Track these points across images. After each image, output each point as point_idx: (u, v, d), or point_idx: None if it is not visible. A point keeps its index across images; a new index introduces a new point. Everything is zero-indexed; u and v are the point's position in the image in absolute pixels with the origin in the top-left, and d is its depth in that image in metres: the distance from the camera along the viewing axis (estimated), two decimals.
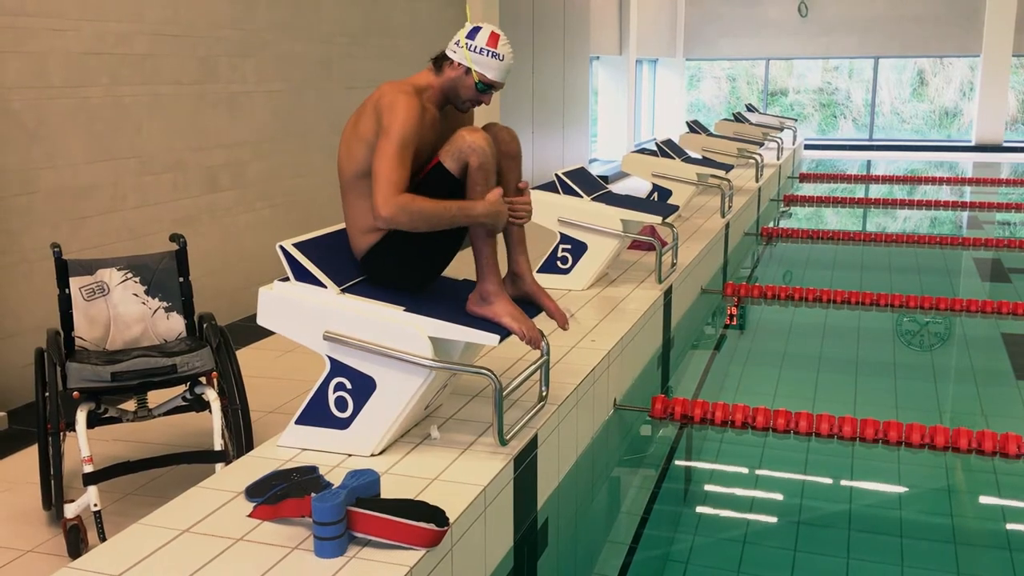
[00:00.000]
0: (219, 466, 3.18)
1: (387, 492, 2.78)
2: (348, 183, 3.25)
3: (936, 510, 3.76)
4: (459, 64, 3.21)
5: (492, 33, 3.22)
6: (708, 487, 4.12)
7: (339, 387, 3.14)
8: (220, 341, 3.38)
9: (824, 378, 5.32)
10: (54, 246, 3.37)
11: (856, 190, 12.89)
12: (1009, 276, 7.78)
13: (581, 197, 5.73)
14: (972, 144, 18.19)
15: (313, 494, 2.56)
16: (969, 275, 8.02)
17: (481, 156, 3.16)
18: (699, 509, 3.90)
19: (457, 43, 3.23)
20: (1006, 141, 18.05)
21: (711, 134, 11.37)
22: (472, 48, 3.19)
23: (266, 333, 4.19)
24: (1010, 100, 18.46)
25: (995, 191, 12.73)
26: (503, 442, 3.18)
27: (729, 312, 6.65)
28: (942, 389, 5.23)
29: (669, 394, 4.82)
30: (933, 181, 13.74)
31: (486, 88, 3.24)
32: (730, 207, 8.26)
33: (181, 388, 3.37)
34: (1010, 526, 3.67)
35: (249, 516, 2.71)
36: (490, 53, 3.18)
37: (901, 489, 3.98)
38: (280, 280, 3.22)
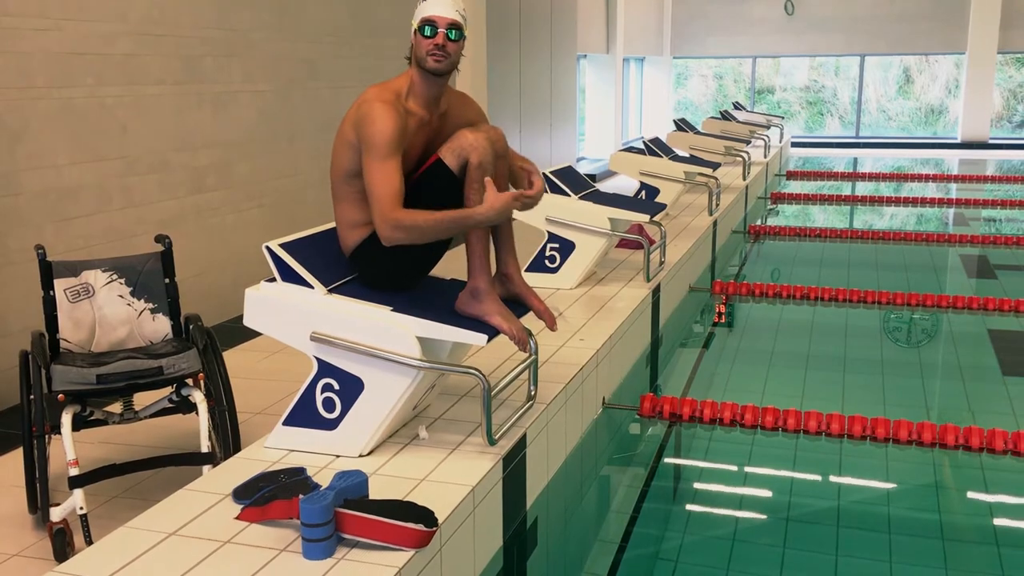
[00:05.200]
0: (206, 468, 3.16)
1: (375, 493, 2.77)
2: (335, 182, 3.28)
3: (924, 506, 3.77)
4: (413, 33, 3.21)
5: None
6: (697, 485, 4.12)
7: (327, 388, 3.13)
8: (206, 342, 3.36)
9: (812, 375, 5.33)
10: (38, 248, 3.35)
11: (843, 187, 12.93)
12: (995, 272, 7.81)
13: (569, 196, 5.72)
14: (958, 141, 18.29)
15: (301, 496, 2.55)
16: (956, 272, 8.05)
17: (482, 154, 3.17)
18: (688, 507, 3.90)
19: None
20: (991, 138, 18.16)
21: (698, 132, 11.39)
22: (414, 15, 3.20)
23: (253, 334, 4.17)
24: (995, 97, 18.55)
25: (981, 188, 12.79)
26: (492, 442, 3.17)
27: (717, 310, 6.66)
28: (929, 386, 5.25)
29: (658, 392, 4.82)
30: (919, 178, 13.81)
31: (432, 30, 3.14)
32: (718, 205, 8.28)
33: (167, 390, 3.35)
34: (997, 521, 3.68)
35: (237, 518, 2.70)
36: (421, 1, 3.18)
37: (889, 485, 3.99)
38: (267, 281, 3.21)
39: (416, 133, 3.22)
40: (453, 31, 3.16)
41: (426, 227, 3.08)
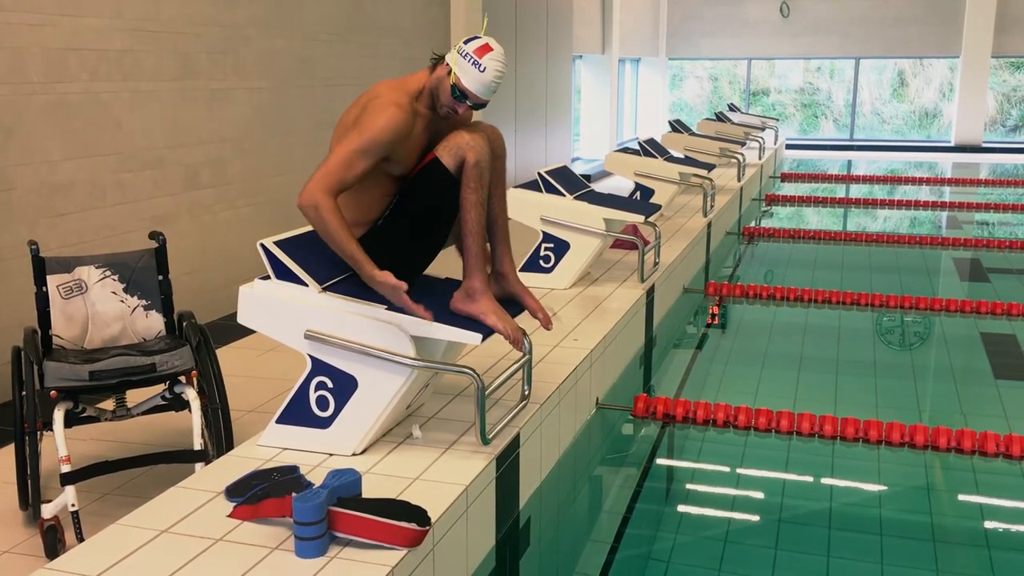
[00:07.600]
0: (199, 466, 3.16)
1: (368, 492, 2.76)
2: None
3: (916, 508, 3.78)
4: (447, 64, 3.19)
5: (484, 44, 3.17)
6: (690, 486, 4.13)
7: (320, 386, 3.12)
8: (200, 340, 3.36)
9: (805, 377, 5.34)
10: (31, 243, 3.34)
11: (837, 190, 12.96)
12: (988, 276, 7.83)
13: (564, 196, 5.72)
14: (951, 144, 18.34)
15: (294, 494, 2.54)
16: (949, 275, 8.08)
17: (478, 153, 3.16)
18: (681, 508, 3.90)
19: (455, 46, 3.22)
20: (985, 141, 18.21)
21: (693, 133, 11.40)
22: (461, 52, 3.16)
23: (247, 332, 4.17)
24: (989, 101, 18.61)
25: (974, 191, 12.83)
26: (485, 441, 3.17)
27: (711, 311, 6.67)
28: (922, 388, 5.26)
29: (651, 393, 4.82)
30: (913, 181, 13.84)
31: (461, 96, 3.17)
32: (712, 206, 8.29)
33: (160, 387, 3.34)
34: (988, 524, 3.69)
35: (229, 516, 2.69)
36: (472, 61, 3.14)
37: (881, 487, 4.00)
38: (261, 278, 3.20)
39: (420, 134, 3.24)
40: (477, 106, 3.22)
41: (331, 234, 3.01)
